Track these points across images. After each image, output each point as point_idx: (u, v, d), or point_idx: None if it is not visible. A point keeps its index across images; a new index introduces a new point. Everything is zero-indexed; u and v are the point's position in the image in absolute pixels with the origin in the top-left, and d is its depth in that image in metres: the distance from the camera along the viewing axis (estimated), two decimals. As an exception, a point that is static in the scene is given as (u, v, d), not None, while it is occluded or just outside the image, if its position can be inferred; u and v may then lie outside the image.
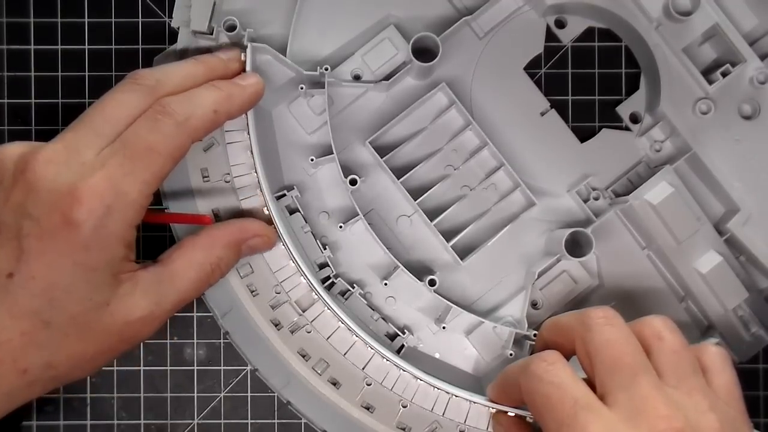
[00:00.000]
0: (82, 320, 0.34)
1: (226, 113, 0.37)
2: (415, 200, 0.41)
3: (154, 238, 0.44)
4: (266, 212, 0.40)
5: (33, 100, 0.45)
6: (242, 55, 0.40)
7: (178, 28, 0.42)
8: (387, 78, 0.42)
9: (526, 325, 0.41)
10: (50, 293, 0.33)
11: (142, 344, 0.45)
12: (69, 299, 0.33)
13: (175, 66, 0.38)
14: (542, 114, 0.44)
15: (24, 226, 0.33)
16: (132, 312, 0.35)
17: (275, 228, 0.39)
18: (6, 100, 0.45)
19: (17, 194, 0.34)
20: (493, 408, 0.38)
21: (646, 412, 0.31)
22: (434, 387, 0.39)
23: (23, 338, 0.33)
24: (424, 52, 0.41)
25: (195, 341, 0.45)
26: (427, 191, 0.42)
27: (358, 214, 0.41)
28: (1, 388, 0.34)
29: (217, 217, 0.42)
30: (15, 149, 0.35)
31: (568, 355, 0.35)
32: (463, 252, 0.42)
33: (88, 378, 0.45)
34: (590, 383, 0.33)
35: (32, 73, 0.45)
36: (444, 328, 0.42)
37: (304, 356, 0.42)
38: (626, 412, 0.31)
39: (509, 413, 0.38)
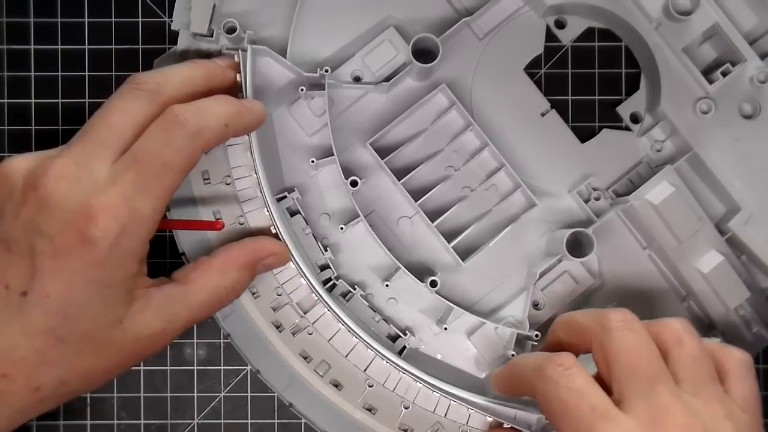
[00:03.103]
0: (96, 337, 0.34)
1: (234, 130, 0.36)
2: (416, 201, 0.41)
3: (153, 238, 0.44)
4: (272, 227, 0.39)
5: (33, 100, 0.45)
6: (235, 56, 0.39)
7: (179, 30, 0.42)
8: (387, 79, 0.42)
9: (528, 326, 0.41)
10: (65, 311, 0.33)
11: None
12: (83, 316, 0.33)
13: (174, 69, 0.38)
14: (542, 114, 0.44)
15: (37, 243, 0.33)
16: (144, 329, 0.35)
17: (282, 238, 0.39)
18: (6, 100, 0.45)
19: (28, 211, 0.33)
20: (490, 417, 0.39)
21: (663, 420, 0.31)
22: (436, 389, 0.39)
23: (37, 356, 0.33)
24: (424, 54, 0.40)
25: (195, 341, 0.45)
26: (427, 192, 0.42)
27: (359, 216, 0.41)
28: (13, 405, 0.33)
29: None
30: (22, 163, 0.34)
31: (579, 354, 0.35)
32: (465, 253, 0.42)
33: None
34: (602, 383, 0.33)
35: (32, 73, 0.45)
36: (445, 329, 0.42)
37: (305, 358, 0.42)
38: (644, 420, 0.31)
39: (505, 425, 0.39)
